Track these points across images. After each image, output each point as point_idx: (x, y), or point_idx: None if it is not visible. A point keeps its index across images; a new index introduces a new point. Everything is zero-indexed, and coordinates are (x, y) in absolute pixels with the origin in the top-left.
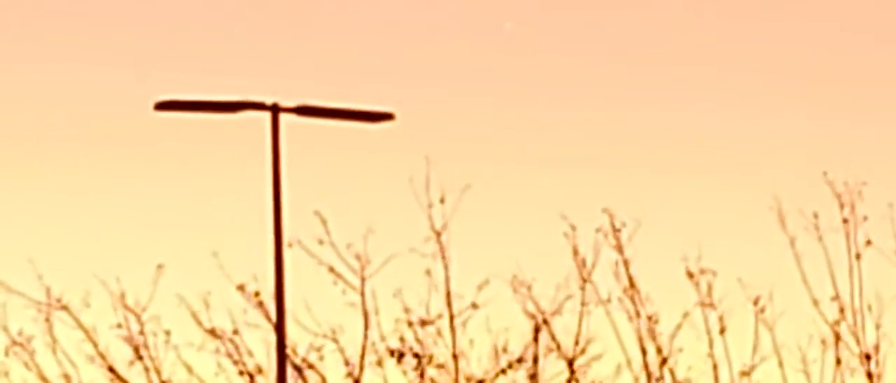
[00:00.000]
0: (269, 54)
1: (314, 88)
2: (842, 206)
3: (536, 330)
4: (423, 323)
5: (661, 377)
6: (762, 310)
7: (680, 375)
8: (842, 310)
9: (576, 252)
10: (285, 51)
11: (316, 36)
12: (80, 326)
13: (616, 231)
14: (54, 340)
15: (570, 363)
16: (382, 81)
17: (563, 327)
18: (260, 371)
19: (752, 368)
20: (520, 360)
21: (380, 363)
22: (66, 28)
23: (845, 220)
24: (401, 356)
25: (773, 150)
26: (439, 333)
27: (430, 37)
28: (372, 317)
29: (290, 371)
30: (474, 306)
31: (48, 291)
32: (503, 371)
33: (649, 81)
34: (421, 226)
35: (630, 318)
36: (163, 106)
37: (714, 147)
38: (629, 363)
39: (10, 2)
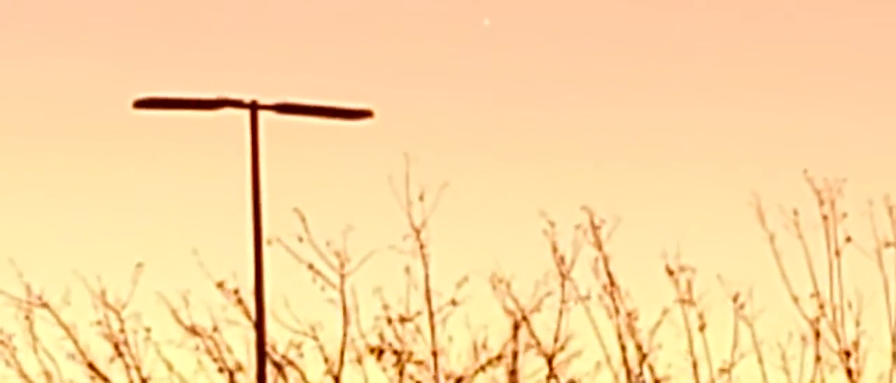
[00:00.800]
0: (247, 51)
1: (293, 86)
2: (821, 203)
3: (516, 327)
4: (403, 320)
5: (641, 374)
6: (742, 307)
7: (659, 372)
8: (821, 307)
9: (555, 249)
10: (264, 48)
11: (294, 33)
12: (61, 324)
13: (595, 228)
14: (35, 338)
15: (550, 360)
16: (361, 78)
17: (543, 324)
18: (240, 368)
19: (732, 365)
20: (499, 357)
21: (359, 360)
22: (45, 25)
23: (825, 217)
24: (380, 353)
25: (753, 147)
26: (419, 330)
27: (409, 34)
28: (351, 314)
29: (269, 368)
30: (454, 303)
31: (28, 289)
32: (483, 368)
33: (628, 78)
34: (400, 224)
35: (609, 315)
36: (141, 104)
37: (693, 143)
38: (609, 360)
39: None
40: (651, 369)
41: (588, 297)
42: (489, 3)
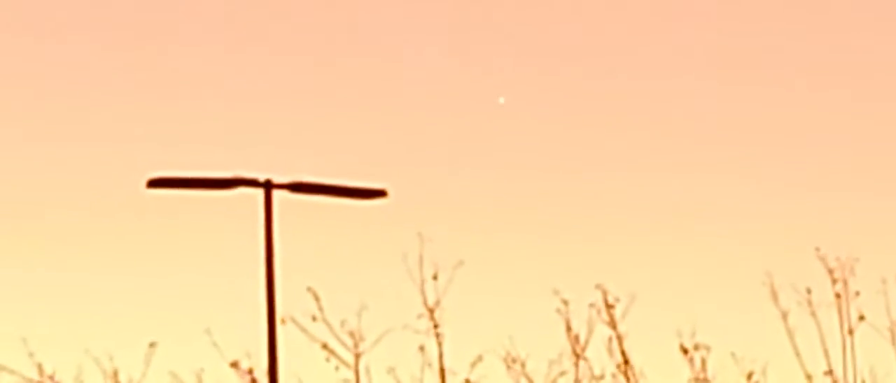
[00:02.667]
0: (262, 130)
1: (307, 165)
2: (834, 282)
3: None
4: None
5: None
6: None
7: None
8: None
9: (569, 327)
10: (278, 127)
11: (309, 112)
12: None
13: (609, 306)
14: None
15: None
16: (375, 158)
17: None
18: None
19: None
20: None
21: None
22: (59, 103)
23: (838, 295)
24: None
25: (766, 226)
26: None
27: (424, 113)
28: None
29: None
30: (468, 382)
31: (40, 368)
32: None
33: (642, 158)
34: (414, 303)
35: None
36: (155, 183)
37: (707, 222)
38: None
39: (1, 77)
40: None
41: (602, 377)
42: (504, 82)
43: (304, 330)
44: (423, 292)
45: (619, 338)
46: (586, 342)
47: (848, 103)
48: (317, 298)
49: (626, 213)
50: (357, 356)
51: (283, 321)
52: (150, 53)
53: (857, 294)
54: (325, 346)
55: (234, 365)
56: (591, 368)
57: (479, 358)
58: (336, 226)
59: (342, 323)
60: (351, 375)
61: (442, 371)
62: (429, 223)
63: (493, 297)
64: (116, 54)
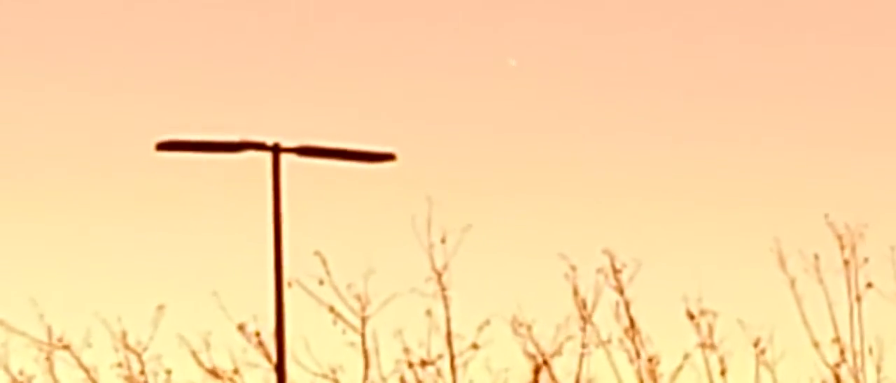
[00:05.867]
0: (270, 94)
1: (315, 128)
2: (843, 248)
3: (536, 371)
4: (424, 363)
5: None
6: (763, 352)
7: None
8: (842, 353)
9: (576, 292)
10: (287, 90)
11: (317, 75)
12: (82, 366)
13: (616, 271)
14: (55, 380)
15: None
16: (384, 121)
17: (564, 368)
18: None
19: None
20: None
21: None
22: (68, 68)
23: (846, 262)
24: None
25: (774, 192)
26: (439, 374)
27: (432, 76)
28: (372, 358)
29: None
30: (475, 346)
31: (49, 331)
32: None
33: (650, 122)
34: (422, 266)
35: (630, 359)
36: (164, 146)
37: (715, 188)
38: None
39: (8, 40)
40: None
41: (609, 341)
42: (514, 44)
43: (311, 293)
44: (430, 256)
45: (626, 303)
46: (593, 306)
47: (859, 69)
48: (324, 262)
49: (634, 179)
50: (364, 319)
51: (290, 284)
52: (161, 15)
53: (866, 261)
54: (332, 310)
55: (241, 327)
56: (597, 333)
57: (487, 322)
58: (344, 190)
59: (349, 287)
60: (358, 339)
61: (449, 334)
62: (437, 187)
63: (501, 261)
64: (128, 15)
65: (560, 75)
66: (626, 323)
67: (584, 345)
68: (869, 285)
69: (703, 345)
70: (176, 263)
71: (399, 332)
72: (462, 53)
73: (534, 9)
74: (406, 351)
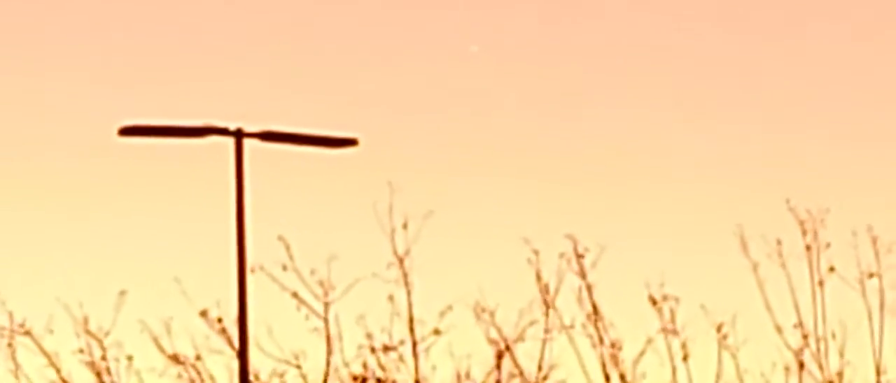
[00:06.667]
0: (232, 79)
1: (278, 114)
2: (805, 233)
3: (499, 356)
4: (386, 349)
5: None
6: (725, 337)
7: None
8: (805, 337)
9: (539, 277)
10: (249, 76)
11: (280, 61)
12: (43, 352)
13: (579, 257)
14: (17, 366)
15: None
16: (346, 107)
17: (526, 353)
18: None
19: None
20: None
21: None
22: (28, 50)
23: (808, 247)
24: (363, 382)
25: (736, 177)
26: (402, 359)
27: (395, 62)
28: (335, 343)
29: None
30: (437, 332)
31: (11, 317)
32: None
33: (613, 108)
34: (384, 252)
35: (593, 345)
36: (126, 131)
37: (677, 173)
38: None
39: None
40: None
41: (572, 326)
42: (476, 30)
43: (274, 279)
44: (392, 241)
45: (589, 288)
46: (556, 292)
47: (819, 57)
48: (287, 247)
49: (597, 164)
50: (327, 305)
51: (252, 270)
52: (124, 3)
53: (828, 245)
54: (295, 295)
55: (204, 313)
56: (560, 318)
57: (449, 308)
58: (306, 176)
59: (312, 273)
60: (321, 324)
61: (411, 320)
62: (399, 172)
63: (463, 247)
64: (89, 3)
65: (522, 61)
66: (589, 308)
67: (546, 331)
68: (831, 270)
69: (665, 330)
70: (138, 249)
71: (361, 318)
72: (424, 39)
73: None
74: (368, 336)
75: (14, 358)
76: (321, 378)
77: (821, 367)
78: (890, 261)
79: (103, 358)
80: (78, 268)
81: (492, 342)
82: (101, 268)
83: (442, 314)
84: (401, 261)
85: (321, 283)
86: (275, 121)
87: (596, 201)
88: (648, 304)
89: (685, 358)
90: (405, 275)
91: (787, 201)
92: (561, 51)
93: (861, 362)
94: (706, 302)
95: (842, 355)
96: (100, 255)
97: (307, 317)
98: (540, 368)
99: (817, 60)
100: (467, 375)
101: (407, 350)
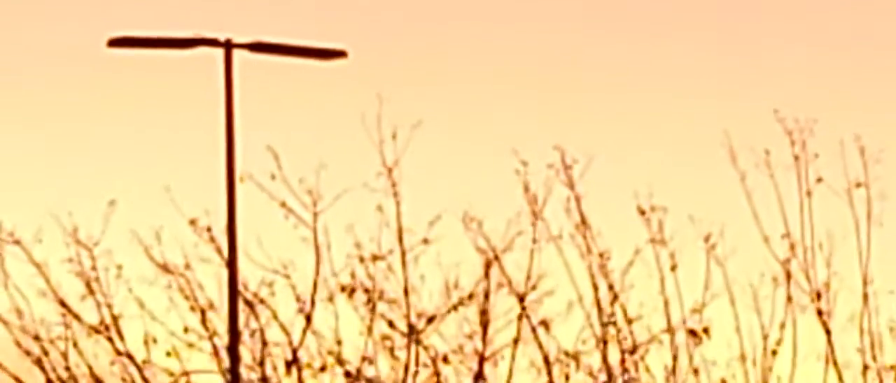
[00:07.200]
0: None
1: (267, 25)
2: (793, 143)
3: (487, 266)
4: (375, 258)
5: (613, 314)
6: (713, 247)
7: (631, 312)
8: (792, 248)
9: (527, 188)
10: None
11: None
12: (32, 261)
13: (567, 167)
14: (6, 275)
15: (521, 299)
16: (335, 18)
17: (515, 263)
18: (211, 306)
19: (704, 305)
20: (471, 296)
21: (331, 298)
22: None
23: (796, 157)
24: (352, 291)
25: (724, 87)
26: (390, 269)
27: None
28: (323, 253)
29: (241, 306)
30: (425, 242)
31: None
32: (454, 307)
33: (601, 19)
34: (373, 162)
35: (581, 255)
36: (115, 42)
37: (665, 83)
38: (581, 299)
39: None
40: (623, 309)
41: (560, 237)
42: None
43: (262, 188)
44: (381, 152)
45: (577, 199)
46: (544, 202)
47: None
48: (276, 157)
49: (584, 74)
50: (315, 214)
51: (241, 179)
52: None
53: (816, 156)
54: (283, 205)
55: (193, 223)
56: (548, 228)
57: (437, 218)
58: (295, 86)
59: (301, 182)
60: (309, 233)
61: (400, 230)
62: (388, 83)
63: (452, 158)
64: None
65: None
66: (577, 218)
67: (534, 241)
68: (819, 180)
69: (653, 241)
70: (127, 159)
71: (350, 227)
72: None
73: None
74: (357, 246)
75: (3, 268)
76: (310, 287)
77: (808, 278)
78: (878, 172)
79: (93, 267)
80: (67, 177)
81: (480, 252)
82: (91, 177)
83: (430, 224)
84: (389, 171)
85: (310, 193)
86: (264, 32)
87: (584, 112)
88: (636, 215)
89: (673, 269)
90: (394, 185)
91: (775, 111)
92: None
93: (848, 272)
94: (694, 213)
95: (829, 265)
96: (89, 165)
97: (296, 227)
98: (528, 278)
99: None
100: (456, 285)
101: (396, 259)
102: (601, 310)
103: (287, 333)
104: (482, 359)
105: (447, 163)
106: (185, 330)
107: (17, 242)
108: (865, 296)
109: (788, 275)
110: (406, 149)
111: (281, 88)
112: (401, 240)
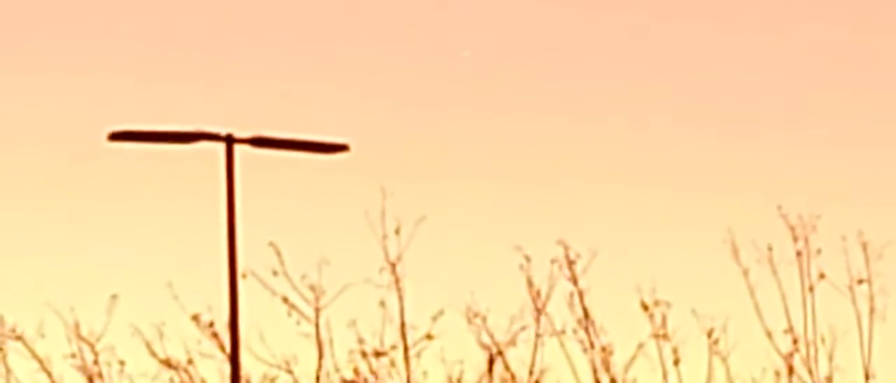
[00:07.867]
0: (223, 85)
1: (269, 119)
2: (795, 239)
3: (491, 361)
4: (378, 353)
5: None
6: (716, 342)
7: None
8: (795, 342)
9: (530, 283)
10: (240, 81)
11: (271, 67)
12: (35, 356)
13: (571, 262)
14: (9, 370)
15: None
16: (337, 112)
17: (518, 358)
18: None
19: None
20: None
21: None
22: (20, 56)
23: (799, 253)
24: None
25: (728, 183)
26: (393, 364)
27: (387, 67)
28: (326, 348)
29: None
30: (429, 337)
31: (2, 321)
32: None
33: (606, 114)
34: (376, 257)
35: (584, 349)
36: (117, 136)
37: (669, 179)
38: None
39: None
40: None
41: (563, 332)
42: (468, 35)
43: (265, 284)
44: (384, 247)
45: (580, 294)
46: (547, 297)
47: (812, 62)
48: (278, 253)
49: (588, 169)
50: (318, 310)
51: (244, 275)
52: (112, 2)
53: (819, 251)
54: (286, 300)
55: (195, 318)
56: (551, 323)
57: (441, 313)
58: (297, 181)
59: (303, 278)
60: (312, 329)
61: (403, 325)
62: (391, 178)
63: (455, 252)
64: (79, 2)
65: (514, 66)
66: (580, 313)
67: (538, 335)
68: (821, 276)
69: (656, 335)
70: (129, 253)
71: (353, 323)
72: (416, 44)
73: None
74: (360, 341)
75: (6, 363)
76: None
77: (811, 372)
78: (880, 267)
79: (95, 362)
80: (69, 272)
81: (483, 347)
82: (93, 272)
83: (434, 319)
84: (393, 266)
85: (312, 288)
86: (265, 126)
87: (587, 207)
88: (640, 309)
89: (676, 363)
90: (397, 280)
91: (779, 207)
92: (553, 56)
93: (851, 367)
94: (697, 308)
95: (831, 360)
96: (91, 260)
97: (298, 322)
98: (531, 373)
99: (809, 67)
100: (459, 380)
101: (398, 355)
102: None
103: None
104: None
105: (450, 257)
106: None
107: (20, 338)
108: None
109: (791, 370)
110: (409, 243)
111: (283, 183)
112: (404, 335)
